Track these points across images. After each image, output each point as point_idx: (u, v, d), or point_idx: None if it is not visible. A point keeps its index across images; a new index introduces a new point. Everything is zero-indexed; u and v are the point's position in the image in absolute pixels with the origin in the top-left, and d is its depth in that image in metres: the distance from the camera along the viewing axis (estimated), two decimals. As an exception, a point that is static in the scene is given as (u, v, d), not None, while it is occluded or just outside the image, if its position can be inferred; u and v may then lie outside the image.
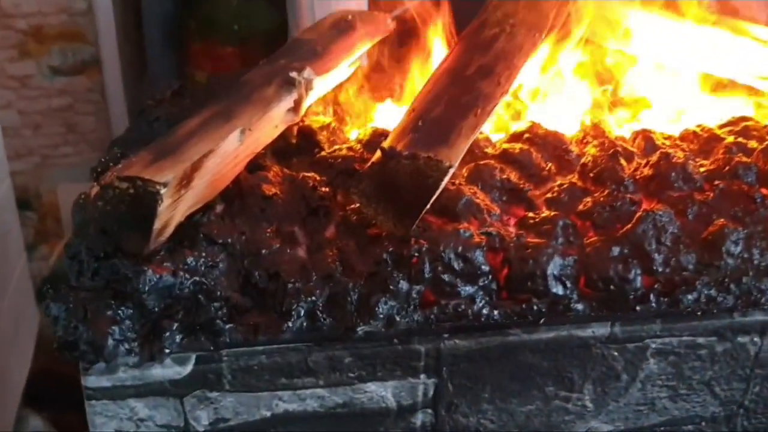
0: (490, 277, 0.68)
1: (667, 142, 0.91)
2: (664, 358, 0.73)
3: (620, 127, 1.01)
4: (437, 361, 0.68)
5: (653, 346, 0.72)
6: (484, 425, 0.73)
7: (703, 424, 0.78)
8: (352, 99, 1.07)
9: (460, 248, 0.66)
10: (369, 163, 0.67)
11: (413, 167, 0.63)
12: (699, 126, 0.95)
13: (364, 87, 1.10)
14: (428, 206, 0.67)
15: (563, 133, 0.91)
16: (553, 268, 0.67)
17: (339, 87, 1.04)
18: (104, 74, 1.71)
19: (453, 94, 0.76)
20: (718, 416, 0.78)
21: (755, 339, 0.74)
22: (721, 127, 0.96)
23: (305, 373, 0.65)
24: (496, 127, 0.98)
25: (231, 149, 0.70)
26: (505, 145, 0.86)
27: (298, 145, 0.88)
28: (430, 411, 0.71)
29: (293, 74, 0.79)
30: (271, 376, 0.65)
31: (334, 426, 0.69)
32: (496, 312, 0.68)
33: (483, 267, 0.67)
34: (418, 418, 0.71)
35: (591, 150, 0.88)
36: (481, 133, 0.88)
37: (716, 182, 0.79)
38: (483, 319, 0.67)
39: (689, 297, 0.70)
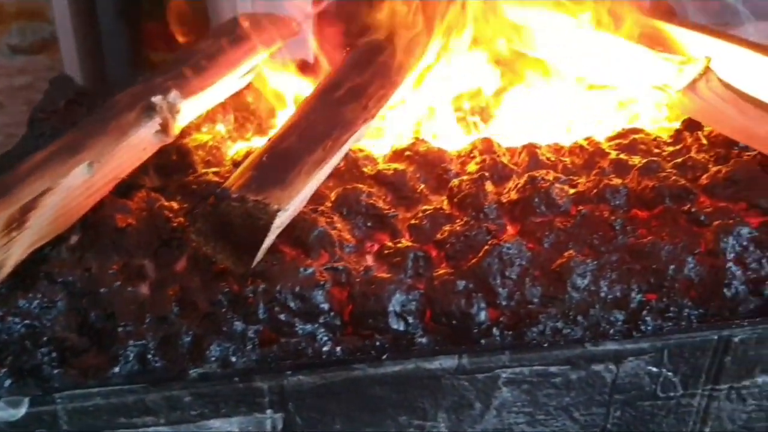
0: (332, 314, 0.68)
1: (552, 157, 0.91)
2: (516, 387, 0.74)
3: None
4: (282, 396, 0.69)
5: (504, 375, 0.73)
6: (340, 456, 0.74)
7: (565, 446, 0.80)
8: (257, 103, 1.06)
9: (297, 287, 0.66)
10: (202, 203, 0.66)
11: (243, 210, 0.63)
12: (587, 139, 0.94)
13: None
14: (271, 242, 0.67)
15: (446, 150, 0.90)
16: (395, 304, 0.68)
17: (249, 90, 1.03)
18: (61, 53, 1.70)
19: (312, 121, 0.76)
20: (579, 438, 0.79)
21: (610, 366, 0.75)
22: (610, 139, 0.95)
23: (144, 412, 0.66)
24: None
25: (78, 183, 0.70)
26: (382, 165, 0.85)
27: (177, 163, 0.87)
28: (281, 443, 0.72)
29: (155, 99, 0.78)
30: (109, 417, 0.65)
31: (183, 459, 0.70)
32: (338, 348, 0.68)
33: (322, 305, 0.67)
34: (270, 450, 0.72)
35: (472, 168, 0.88)
36: (360, 151, 0.88)
37: (580, 207, 0.79)
38: (324, 356, 0.67)
39: (534, 330, 0.70)
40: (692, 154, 0.90)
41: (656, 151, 0.92)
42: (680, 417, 0.80)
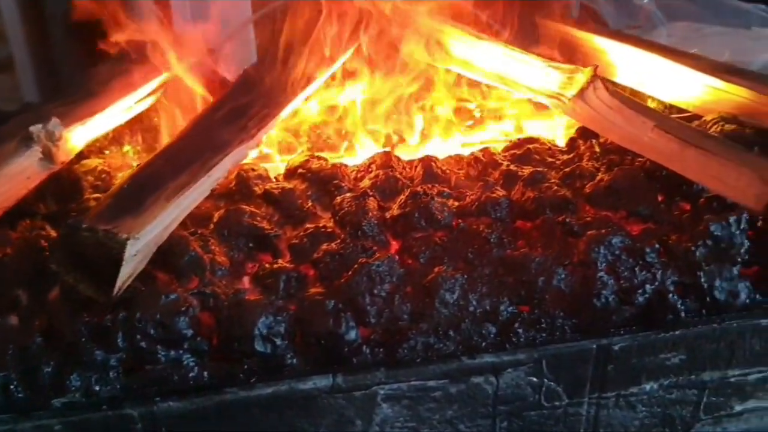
0: (198, 339, 0.68)
1: (447, 170, 0.91)
2: (396, 403, 0.74)
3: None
4: (154, 422, 0.69)
5: (382, 392, 0.73)
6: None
7: (455, 457, 0.80)
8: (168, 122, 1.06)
9: (158, 315, 0.66)
10: (57, 234, 0.67)
11: (94, 240, 0.63)
12: (482, 150, 0.95)
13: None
14: (134, 269, 0.67)
15: (342, 166, 0.91)
16: (261, 327, 0.68)
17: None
18: (17, 73, 1.69)
19: (183, 145, 0.76)
20: (469, 451, 0.80)
21: (490, 378, 0.75)
22: (506, 150, 0.96)
23: (12, 442, 0.66)
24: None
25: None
26: (270, 184, 0.86)
27: (68, 189, 0.87)
28: (161, 465, 0.72)
29: (33, 128, 0.78)
30: (-23, 448, 0.66)
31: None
32: (206, 373, 0.68)
33: (185, 332, 0.67)
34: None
35: (365, 183, 0.88)
36: (253, 170, 0.88)
37: (460, 221, 0.79)
38: (192, 382, 0.68)
39: (405, 346, 0.70)
40: (583, 162, 0.91)
41: (550, 160, 0.93)
42: (570, 425, 0.80)
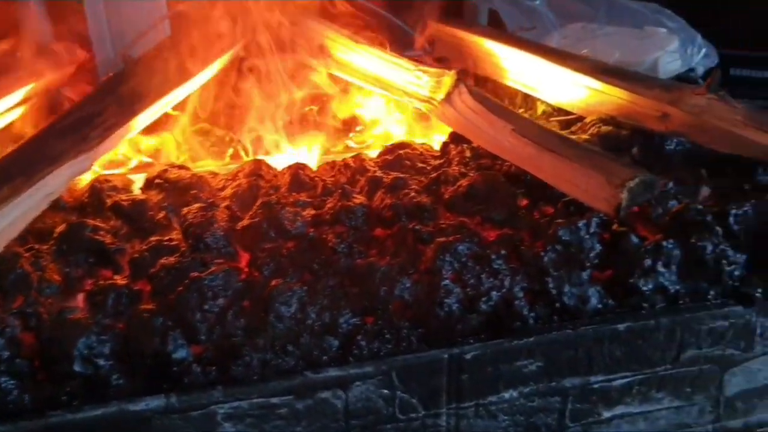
0: (17, 360, 0.65)
1: (315, 176, 0.89)
2: (239, 421, 0.71)
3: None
4: (-26, 449, 0.65)
5: (221, 411, 0.70)
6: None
7: (311, 474, 0.77)
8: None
9: (-30, 336, 0.63)
10: None
11: None
12: (354, 156, 0.93)
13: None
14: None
15: (202, 176, 0.88)
16: (83, 347, 0.65)
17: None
18: None
19: (12, 158, 0.73)
20: (325, 466, 0.77)
21: (338, 393, 0.73)
22: (380, 155, 0.94)
23: None
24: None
25: None
26: (121, 196, 0.83)
27: None
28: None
29: None
30: None
31: None
32: (27, 396, 0.65)
33: (2, 353, 0.64)
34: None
35: (227, 192, 0.86)
36: (108, 181, 0.85)
37: (311, 231, 0.77)
38: (12, 405, 0.65)
39: (240, 363, 0.68)
40: (452, 167, 0.89)
41: (420, 165, 0.91)
42: (430, 437, 0.78)
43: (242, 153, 1.07)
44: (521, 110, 1.14)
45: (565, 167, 0.78)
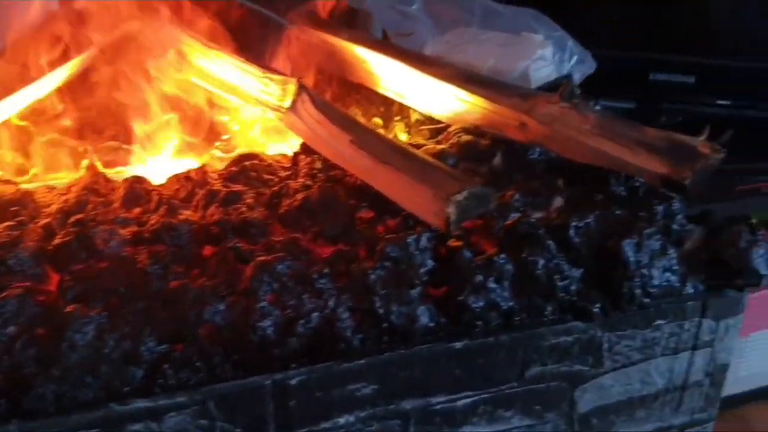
0: None
1: (152, 190, 0.84)
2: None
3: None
4: None
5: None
6: None
7: None
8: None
9: None
10: None
11: None
12: (197, 168, 0.88)
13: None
14: None
15: (27, 192, 0.83)
16: None
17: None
18: None
19: None
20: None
21: (151, 425, 0.68)
22: (227, 167, 0.90)
23: None
24: None
25: None
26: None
27: None
28: None
29: None
30: None
31: None
32: None
33: None
34: None
35: (53, 209, 0.81)
36: None
37: (127, 250, 0.72)
38: None
39: (33, 396, 0.63)
40: (298, 179, 0.85)
41: (267, 177, 0.87)
42: (261, 466, 0.74)
43: (98, 165, 1.02)
44: (397, 118, 1.11)
45: (399, 180, 0.74)
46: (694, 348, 0.86)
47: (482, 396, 0.80)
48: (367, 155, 0.76)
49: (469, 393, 0.79)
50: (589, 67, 1.15)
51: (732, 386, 1.74)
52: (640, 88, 1.75)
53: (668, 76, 1.75)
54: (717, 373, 0.89)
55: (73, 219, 0.74)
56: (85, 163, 1.00)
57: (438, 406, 0.78)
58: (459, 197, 0.70)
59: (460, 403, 0.79)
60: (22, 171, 0.99)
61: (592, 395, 0.85)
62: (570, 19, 1.65)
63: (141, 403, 0.67)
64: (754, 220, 1.81)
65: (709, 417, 0.93)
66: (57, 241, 0.73)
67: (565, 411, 0.85)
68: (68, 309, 0.64)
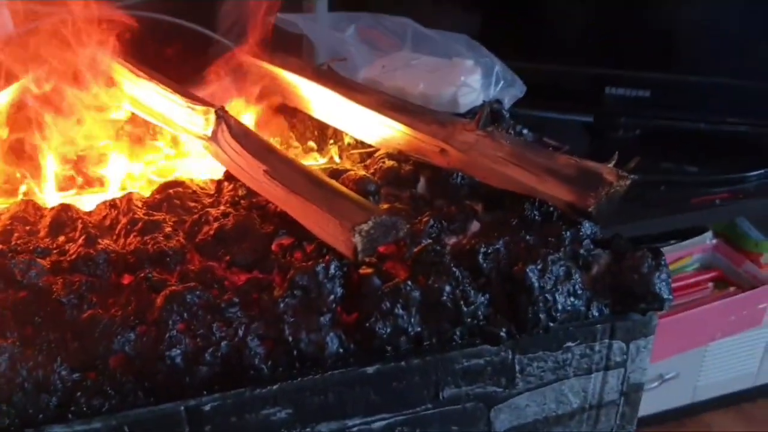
0: None
1: (80, 219, 0.86)
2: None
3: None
4: None
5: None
6: None
7: None
8: None
9: None
10: None
11: None
12: (125, 195, 0.90)
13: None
14: None
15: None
16: None
17: None
18: None
19: None
20: None
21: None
22: (152, 194, 0.91)
23: None
24: None
25: None
26: None
27: None
28: None
29: None
30: None
31: None
32: None
33: None
34: None
35: (-23, 237, 0.82)
36: None
37: (44, 280, 0.74)
38: None
39: (-59, 427, 0.64)
40: (220, 207, 0.88)
41: (192, 204, 0.89)
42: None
43: (36, 191, 1.03)
44: (331, 141, 1.14)
45: (310, 209, 0.77)
46: (607, 368, 0.89)
47: (398, 418, 0.82)
48: (280, 185, 0.79)
49: (385, 415, 0.81)
50: (519, 90, 1.18)
51: (693, 395, 1.86)
52: (597, 103, 1.82)
53: (624, 90, 1.80)
54: (631, 392, 0.92)
55: (-7, 249, 0.75)
56: (22, 189, 1.02)
57: (355, 429, 0.81)
58: (365, 227, 0.72)
59: (375, 425, 0.81)
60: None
61: (508, 415, 0.88)
62: (529, 36, 1.72)
63: (57, 429, 0.69)
64: (711, 230, 1.84)
65: (628, 432, 0.96)
66: (-25, 271, 0.74)
67: (482, 431, 0.87)
68: (-15, 340, 0.66)
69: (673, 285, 1.65)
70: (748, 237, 1.76)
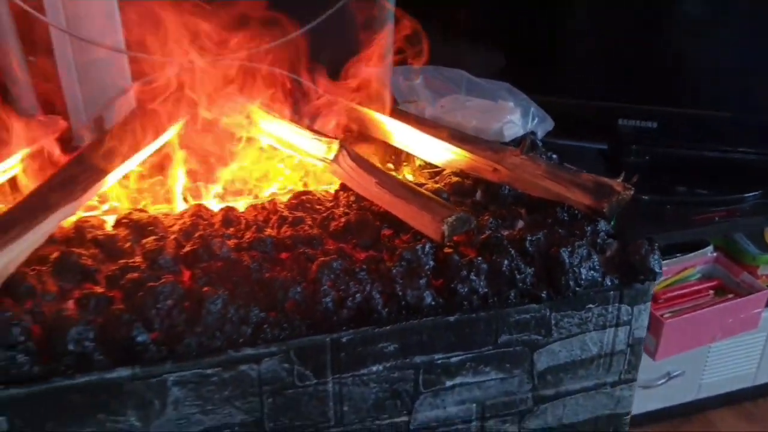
0: (29, 343, 0.96)
1: (242, 215, 1.22)
2: (184, 387, 1.03)
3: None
4: (2, 405, 0.95)
5: (171, 378, 1.02)
6: (54, 448, 1.01)
7: (236, 428, 1.09)
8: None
9: (-3, 326, 0.94)
10: None
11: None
12: (270, 200, 1.27)
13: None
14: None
15: (157, 216, 1.21)
16: (74, 334, 0.96)
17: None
18: None
19: (21, 207, 1.05)
20: (246, 421, 1.09)
21: (253, 366, 1.05)
22: (289, 200, 1.28)
23: None
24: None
25: None
26: (98, 232, 1.15)
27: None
28: (7, 440, 0.99)
29: None
30: None
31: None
32: (36, 368, 0.96)
33: (19, 338, 0.95)
34: (-1, 445, 0.99)
35: (175, 228, 1.19)
36: (87, 221, 1.17)
37: (233, 255, 1.10)
38: (26, 374, 0.95)
39: (183, 344, 1.00)
40: (339, 209, 1.24)
41: (317, 207, 1.25)
42: (321, 399, 1.11)
43: (189, 199, 1.40)
44: (405, 164, 1.50)
45: (409, 208, 1.13)
46: (617, 325, 1.23)
47: (468, 355, 1.17)
48: (387, 192, 1.15)
49: (459, 353, 1.16)
50: (549, 125, 1.54)
51: (697, 392, 2.04)
52: (611, 132, 2.10)
53: (635, 122, 2.09)
54: (635, 344, 1.26)
55: (197, 234, 1.12)
56: (178, 198, 1.39)
57: (439, 361, 1.15)
58: (450, 219, 1.08)
59: (453, 359, 1.16)
60: (136, 202, 1.38)
61: (546, 357, 1.22)
62: (554, 76, 2.02)
63: (248, 351, 1.04)
64: (711, 245, 2.10)
65: (632, 378, 1.29)
66: (187, 249, 1.11)
67: (527, 368, 1.22)
68: (205, 290, 1.02)
69: (678, 292, 1.97)
70: (746, 251, 1.92)
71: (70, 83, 1.41)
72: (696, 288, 1.90)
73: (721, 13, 1.96)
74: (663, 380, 1.93)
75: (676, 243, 1.84)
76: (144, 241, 1.12)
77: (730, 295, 1.88)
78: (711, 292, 1.90)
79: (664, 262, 1.73)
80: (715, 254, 1.95)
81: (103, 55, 1.36)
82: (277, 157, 1.44)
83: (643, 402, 1.97)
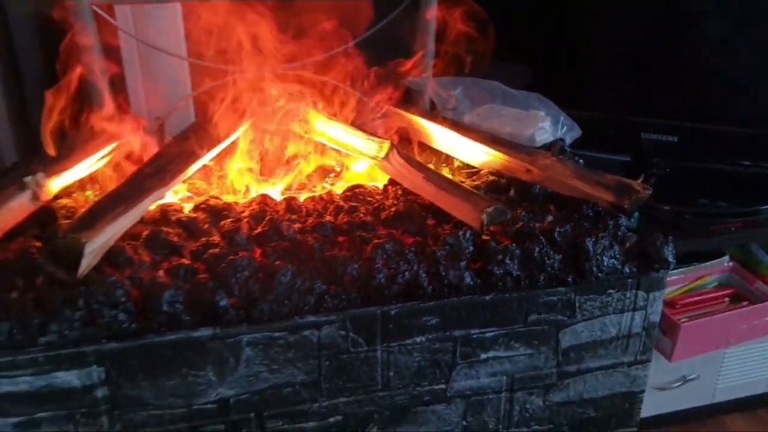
0: (128, 304, 1.13)
1: (302, 205, 1.39)
2: (255, 347, 1.20)
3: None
4: (101, 357, 1.13)
5: (245, 339, 1.19)
6: (145, 395, 1.18)
7: (297, 386, 1.25)
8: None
9: (104, 289, 1.11)
10: (42, 244, 1.12)
11: (65, 243, 1.08)
12: (327, 193, 1.44)
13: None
14: (91, 262, 1.12)
15: (230, 203, 1.38)
16: (167, 297, 1.13)
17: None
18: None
19: (119, 189, 1.23)
20: (305, 381, 1.25)
21: (314, 332, 1.21)
22: (343, 192, 1.45)
23: (15, 367, 1.09)
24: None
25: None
26: (181, 215, 1.32)
27: (47, 218, 1.32)
28: (106, 387, 1.16)
29: (26, 179, 1.24)
30: (-10, 370, 1.09)
31: (41, 402, 1.13)
32: (134, 325, 1.13)
33: (121, 299, 1.12)
34: (99, 393, 1.16)
35: (245, 213, 1.36)
36: (170, 206, 1.35)
37: (298, 236, 1.27)
38: (126, 331, 1.13)
39: (258, 309, 1.17)
40: (388, 200, 1.40)
41: (369, 199, 1.42)
42: (370, 364, 1.27)
43: (252, 190, 1.57)
44: (444, 164, 1.66)
45: (452, 200, 1.29)
46: (634, 310, 1.38)
47: (501, 332, 1.32)
48: (433, 186, 1.31)
49: (493, 329, 1.31)
50: (577, 133, 1.69)
51: (713, 396, 2.06)
52: (634, 145, 2.23)
53: (657, 136, 2.22)
54: (649, 328, 1.40)
55: (267, 218, 1.29)
56: (243, 189, 1.56)
57: (474, 336, 1.31)
58: (489, 210, 1.24)
59: (488, 335, 1.31)
60: (201, 192, 1.55)
61: (570, 337, 1.37)
62: (582, 91, 2.13)
63: (311, 318, 1.21)
64: (727, 254, 2.20)
65: (647, 358, 1.44)
66: (258, 230, 1.28)
67: (553, 346, 1.36)
68: (276, 263, 1.19)
69: (695, 299, 2.07)
70: (760, 261, 1.95)
71: (136, 90, 1.60)
72: (712, 295, 1.95)
73: (742, 32, 2.02)
74: (678, 383, 1.97)
75: (693, 252, 1.89)
76: (222, 223, 1.30)
77: (745, 303, 1.92)
78: (726, 299, 1.95)
79: (682, 270, 1.89)
80: (731, 264, 1.99)
81: (165, 64, 1.55)
82: (331, 155, 1.61)
83: (658, 404, 2.01)
